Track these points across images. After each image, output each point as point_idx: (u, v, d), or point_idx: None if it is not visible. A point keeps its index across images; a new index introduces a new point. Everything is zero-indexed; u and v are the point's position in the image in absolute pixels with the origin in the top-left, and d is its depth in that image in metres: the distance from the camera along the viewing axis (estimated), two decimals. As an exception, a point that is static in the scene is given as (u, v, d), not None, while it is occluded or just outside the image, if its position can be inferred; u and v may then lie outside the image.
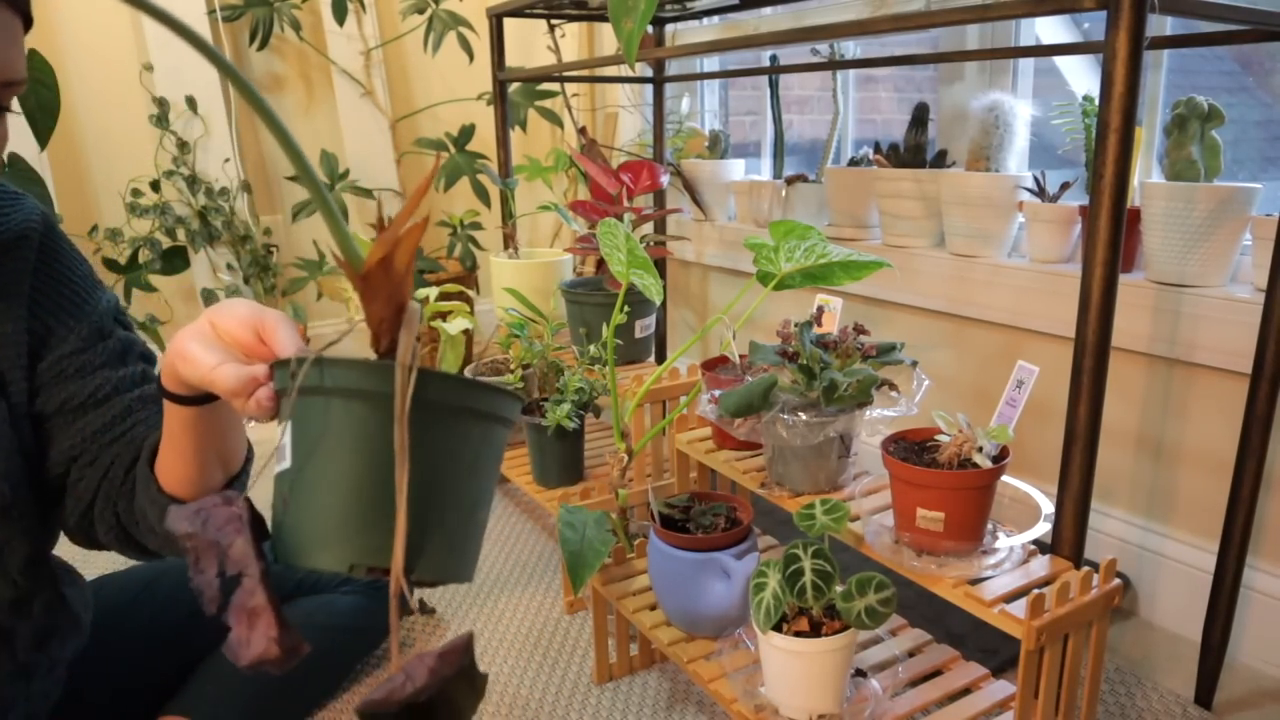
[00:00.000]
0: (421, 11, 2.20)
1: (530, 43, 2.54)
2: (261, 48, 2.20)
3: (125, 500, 0.81)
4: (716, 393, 0.98)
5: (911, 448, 0.89)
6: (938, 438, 0.89)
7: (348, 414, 0.53)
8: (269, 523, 0.58)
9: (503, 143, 2.01)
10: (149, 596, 1.10)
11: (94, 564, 1.48)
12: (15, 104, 0.62)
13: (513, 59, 2.11)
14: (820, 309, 1.07)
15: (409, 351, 0.53)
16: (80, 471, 0.83)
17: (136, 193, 2.15)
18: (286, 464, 0.55)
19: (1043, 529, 0.86)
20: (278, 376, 0.59)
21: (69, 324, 0.83)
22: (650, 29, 2.01)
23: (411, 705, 0.49)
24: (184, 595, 1.09)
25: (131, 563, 1.28)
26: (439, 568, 0.55)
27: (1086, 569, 0.82)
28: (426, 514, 0.54)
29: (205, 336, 0.67)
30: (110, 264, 2.08)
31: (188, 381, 0.68)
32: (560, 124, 2.39)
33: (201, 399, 0.72)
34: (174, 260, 2.17)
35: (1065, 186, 1.37)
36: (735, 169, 2.08)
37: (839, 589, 0.88)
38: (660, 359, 2.03)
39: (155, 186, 2.15)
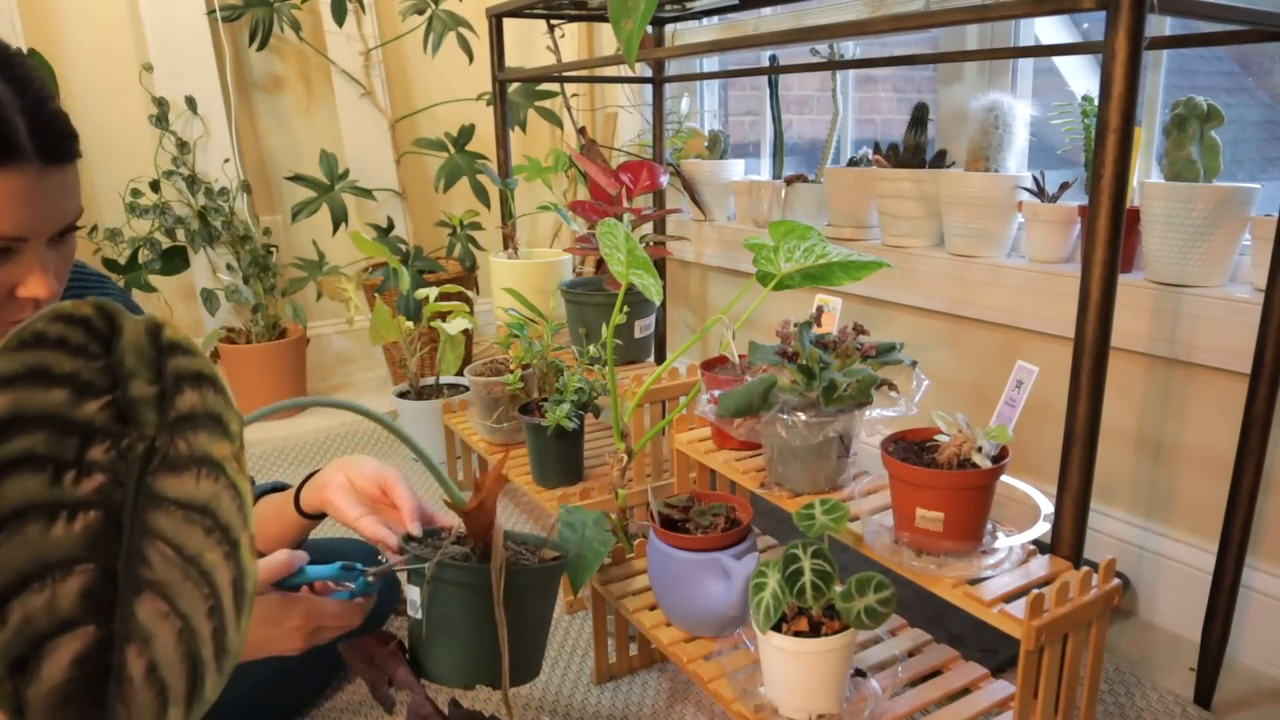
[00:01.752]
0: (421, 12, 2.20)
1: (530, 43, 2.54)
2: (261, 48, 2.20)
3: None
4: (716, 393, 0.98)
5: (911, 448, 0.89)
6: (937, 438, 0.89)
7: (460, 595, 0.82)
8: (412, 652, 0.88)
9: (502, 143, 2.01)
10: None
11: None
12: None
13: (512, 59, 2.12)
14: (820, 309, 1.07)
15: (499, 558, 0.82)
16: None
17: (136, 193, 2.15)
18: (419, 615, 0.84)
19: (1042, 529, 0.87)
20: (408, 553, 0.85)
21: None
22: (650, 29, 2.01)
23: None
24: None
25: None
26: (523, 675, 0.88)
27: (1086, 569, 0.82)
28: (517, 647, 0.84)
29: (347, 491, 0.93)
30: (110, 264, 2.08)
31: (325, 514, 0.98)
32: (560, 124, 2.39)
33: (320, 516, 1.00)
34: (174, 260, 2.17)
35: (1065, 186, 1.37)
36: (735, 169, 2.08)
37: (838, 589, 0.88)
38: (660, 359, 2.03)
39: (155, 187, 2.15)
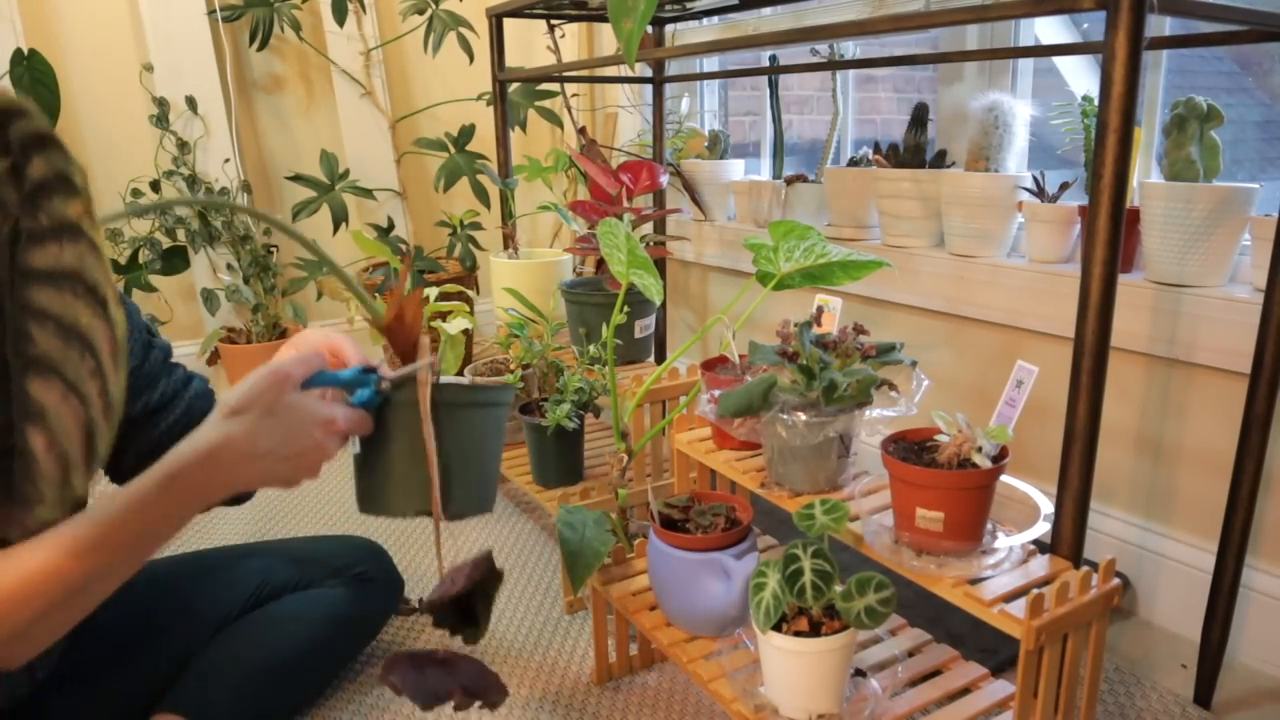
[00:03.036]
0: (421, 12, 2.20)
1: (530, 43, 2.54)
2: (261, 48, 2.20)
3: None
4: (716, 393, 0.99)
5: (911, 448, 0.89)
6: (937, 438, 0.89)
7: (395, 414, 0.79)
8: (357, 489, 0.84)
9: (502, 143, 2.01)
10: (147, 589, 1.11)
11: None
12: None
13: (512, 59, 2.12)
14: (820, 309, 1.07)
15: (426, 371, 0.79)
16: (148, 462, 0.90)
17: (136, 193, 2.15)
18: (355, 448, 0.82)
19: (1042, 529, 0.87)
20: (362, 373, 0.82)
21: (133, 335, 0.92)
22: (650, 29, 2.01)
23: (459, 597, 0.77)
24: (178, 589, 1.10)
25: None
26: (466, 504, 0.83)
27: (1086, 569, 0.82)
28: (454, 473, 0.80)
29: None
30: (110, 264, 2.08)
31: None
32: (560, 124, 2.39)
33: None
34: (174, 260, 2.17)
35: (1064, 187, 1.37)
36: (735, 169, 2.08)
37: (838, 589, 0.88)
38: (660, 359, 2.03)
39: (155, 187, 2.16)
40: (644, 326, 1.72)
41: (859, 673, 0.97)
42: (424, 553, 1.55)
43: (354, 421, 0.80)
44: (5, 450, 0.44)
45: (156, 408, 0.96)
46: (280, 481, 0.79)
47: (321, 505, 1.77)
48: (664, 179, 1.71)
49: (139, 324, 0.97)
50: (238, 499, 1.00)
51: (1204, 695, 1.11)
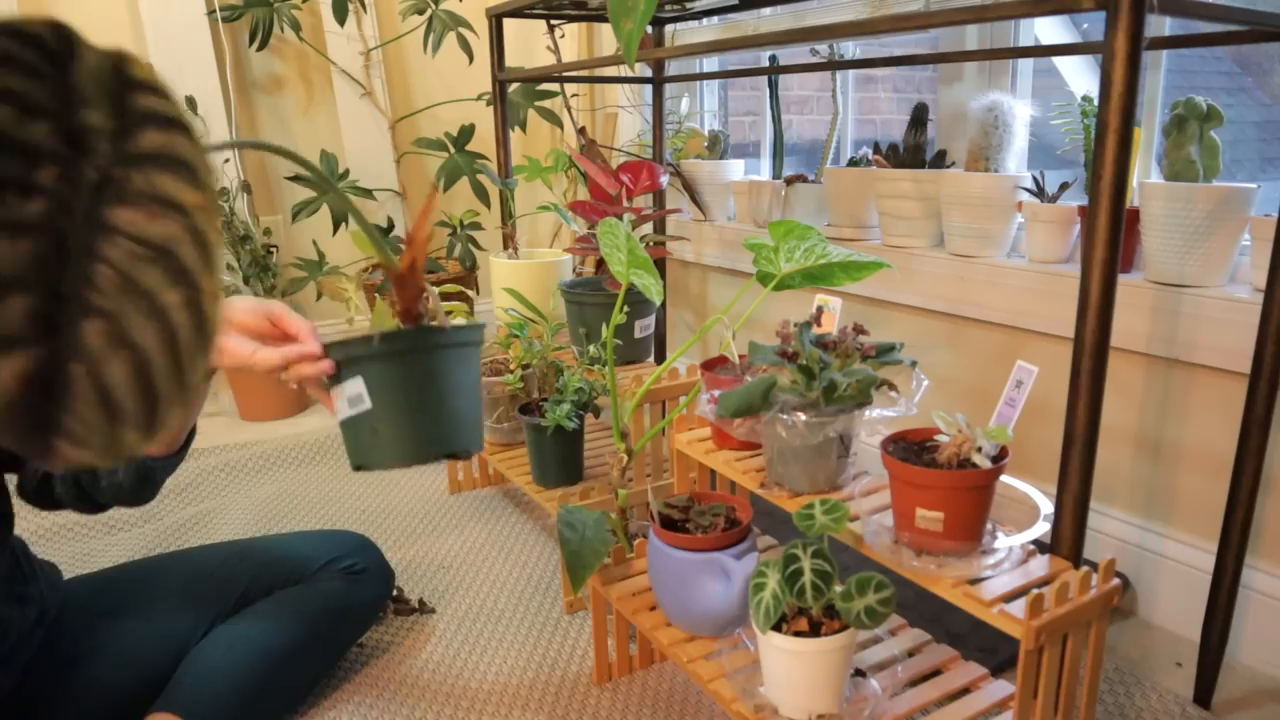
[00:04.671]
0: (421, 12, 2.20)
1: (530, 43, 2.54)
2: (261, 48, 2.20)
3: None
4: (716, 393, 0.98)
5: (911, 448, 0.89)
6: (937, 438, 0.89)
7: (410, 364, 0.82)
8: (350, 451, 0.85)
9: (502, 143, 2.01)
10: (139, 588, 1.11)
11: (94, 561, 1.48)
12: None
13: (512, 59, 2.12)
14: (820, 309, 1.07)
15: (437, 315, 0.85)
16: (47, 482, 0.95)
17: (136, 193, 2.15)
18: (367, 405, 0.83)
19: (1042, 529, 0.87)
20: (333, 351, 0.84)
21: None
22: (650, 29, 2.01)
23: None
24: (171, 587, 1.11)
25: (122, 559, 1.29)
26: (474, 441, 0.87)
27: (1085, 569, 0.82)
28: (453, 412, 0.85)
29: (227, 332, 0.85)
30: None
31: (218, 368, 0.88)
32: (560, 124, 2.39)
33: None
34: (174, 260, 2.17)
35: (1064, 187, 1.37)
36: (735, 169, 2.08)
37: (838, 589, 0.88)
38: (660, 359, 2.03)
39: (155, 187, 2.15)
40: (644, 326, 1.72)
41: (859, 673, 0.97)
42: (414, 544, 1.55)
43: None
44: (50, 388, 0.43)
45: None
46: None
47: (321, 505, 1.77)
48: (664, 179, 1.71)
49: None
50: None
51: (1204, 695, 1.11)
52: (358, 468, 0.86)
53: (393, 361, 0.82)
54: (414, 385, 0.83)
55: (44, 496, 0.99)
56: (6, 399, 0.42)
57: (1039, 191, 1.39)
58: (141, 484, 0.98)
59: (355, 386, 0.83)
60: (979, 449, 0.83)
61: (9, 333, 0.42)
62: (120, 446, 0.45)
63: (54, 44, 0.44)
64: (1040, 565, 0.85)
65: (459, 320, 0.86)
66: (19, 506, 0.96)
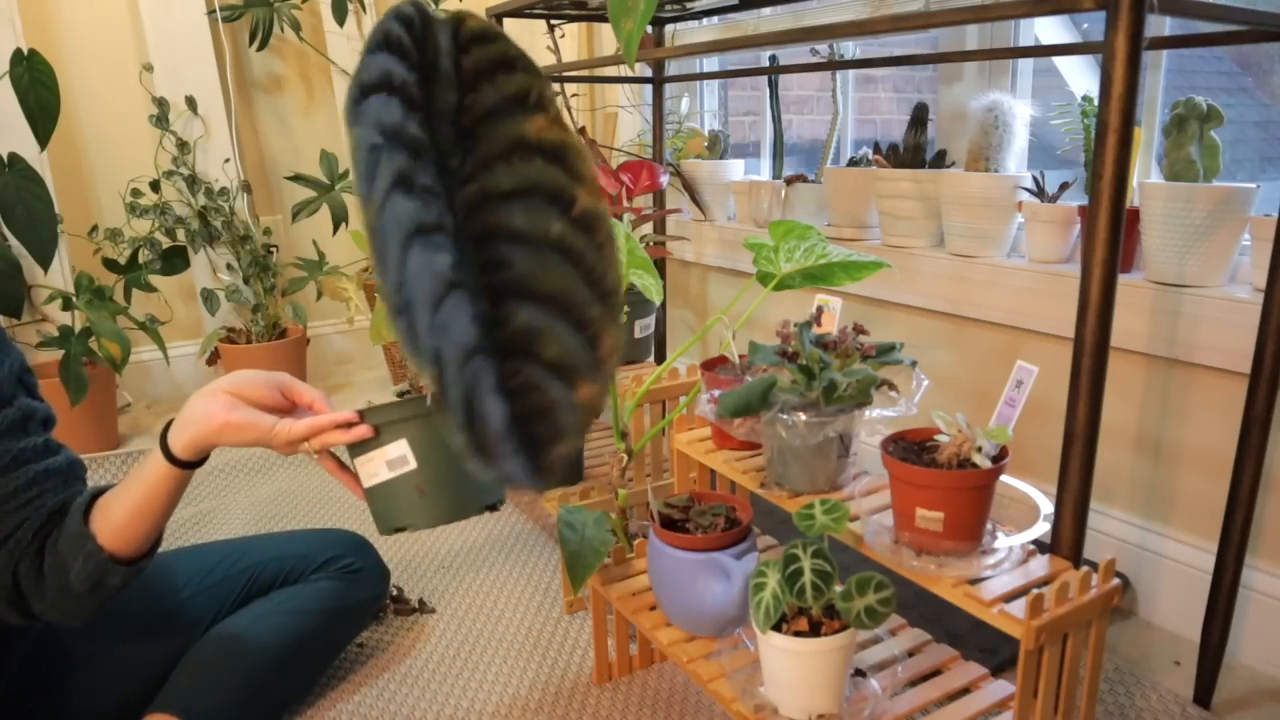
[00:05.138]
0: (421, 12, 2.20)
1: (530, 43, 2.54)
2: (261, 48, 2.20)
3: (29, 563, 0.87)
4: (716, 393, 0.99)
5: (911, 448, 0.89)
6: (937, 438, 0.89)
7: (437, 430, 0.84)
8: (385, 514, 0.87)
9: (502, 143, 2.01)
10: (136, 589, 1.11)
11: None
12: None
13: (512, 59, 2.11)
14: (820, 309, 1.07)
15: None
16: None
17: (136, 193, 2.15)
18: (412, 466, 0.84)
19: (1042, 529, 0.87)
20: (371, 416, 0.86)
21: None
22: (650, 29, 2.01)
23: None
24: (167, 588, 1.11)
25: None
26: (502, 490, 0.90)
27: (1085, 569, 0.82)
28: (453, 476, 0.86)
29: (242, 407, 0.86)
30: (110, 264, 2.08)
31: (217, 446, 0.88)
32: (560, 124, 2.39)
33: (199, 462, 0.90)
34: (174, 260, 2.17)
35: (1064, 187, 1.37)
36: (735, 169, 2.08)
37: (838, 589, 0.88)
38: (660, 359, 2.03)
39: (155, 187, 2.16)
40: (644, 326, 1.72)
41: (859, 673, 0.97)
42: (414, 544, 1.55)
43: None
44: (512, 391, 0.44)
45: None
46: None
47: (321, 505, 1.77)
48: (664, 179, 1.71)
49: (6, 375, 0.88)
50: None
51: (1204, 695, 1.11)
52: (395, 530, 0.87)
53: (436, 420, 0.84)
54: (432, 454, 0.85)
55: None
56: (505, 422, 0.43)
57: (1039, 191, 1.39)
58: (93, 590, 0.88)
59: (398, 449, 0.84)
60: (979, 449, 0.83)
61: (470, 344, 0.42)
62: (585, 412, 0.45)
63: (418, 22, 0.45)
64: (1040, 565, 0.85)
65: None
66: None
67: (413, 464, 0.84)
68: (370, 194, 0.42)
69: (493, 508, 0.90)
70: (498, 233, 0.44)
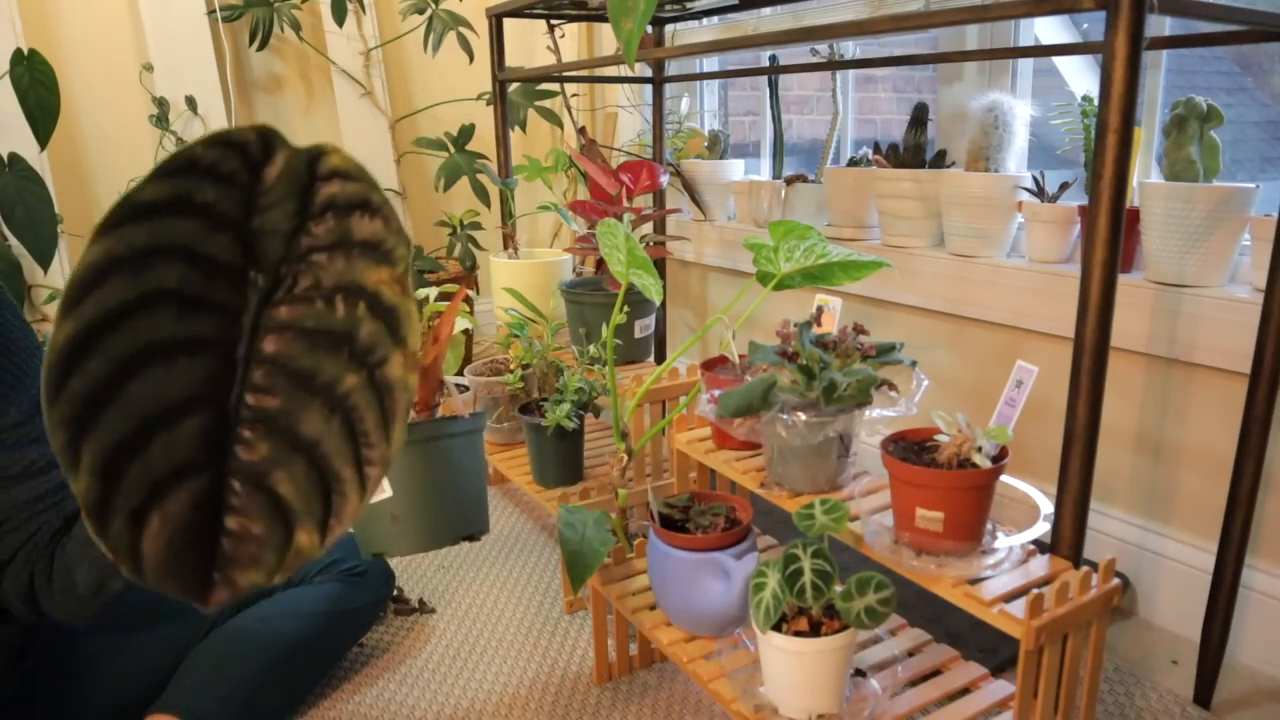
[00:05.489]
0: (421, 11, 2.20)
1: (530, 43, 2.54)
2: (261, 48, 2.20)
3: (43, 564, 0.89)
4: (716, 393, 0.99)
5: (911, 448, 0.89)
6: (937, 438, 0.89)
7: (429, 453, 0.87)
8: (365, 538, 0.90)
9: (502, 143, 2.01)
10: (143, 590, 1.11)
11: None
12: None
13: (512, 59, 2.12)
14: (820, 309, 1.07)
15: (452, 404, 0.92)
16: (1, 535, 0.89)
17: (136, 193, 2.14)
18: (388, 493, 0.86)
19: (1042, 529, 0.87)
20: None
21: (10, 396, 0.87)
22: (650, 29, 2.01)
23: None
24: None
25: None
26: (479, 522, 0.93)
27: (1085, 569, 0.82)
28: (467, 495, 0.91)
29: None
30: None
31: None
32: (560, 124, 2.39)
33: None
34: (174, 260, 2.17)
35: (1064, 187, 1.37)
36: (735, 169, 2.08)
37: (838, 589, 0.88)
38: (660, 359, 2.03)
39: (155, 186, 2.15)
40: (644, 326, 1.72)
41: (859, 673, 0.97)
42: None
43: None
44: (219, 511, 0.42)
45: (18, 475, 0.89)
46: None
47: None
48: (664, 179, 1.71)
49: (37, 380, 0.91)
50: None
51: (1204, 695, 1.11)
52: (374, 555, 0.90)
53: (412, 450, 0.87)
54: (433, 472, 0.88)
55: None
56: (174, 531, 0.41)
57: (1039, 191, 1.39)
58: (95, 594, 0.89)
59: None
60: (979, 449, 0.83)
61: (181, 460, 0.41)
62: (295, 556, 0.43)
63: (256, 149, 0.44)
64: (1040, 565, 0.85)
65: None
66: None
67: (388, 491, 0.87)
68: (74, 312, 0.39)
69: (471, 538, 0.92)
70: (282, 363, 0.43)
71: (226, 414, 0.43)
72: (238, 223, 0.44)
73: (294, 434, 0.43)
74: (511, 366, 1.58)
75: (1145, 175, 1.35)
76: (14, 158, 1.85)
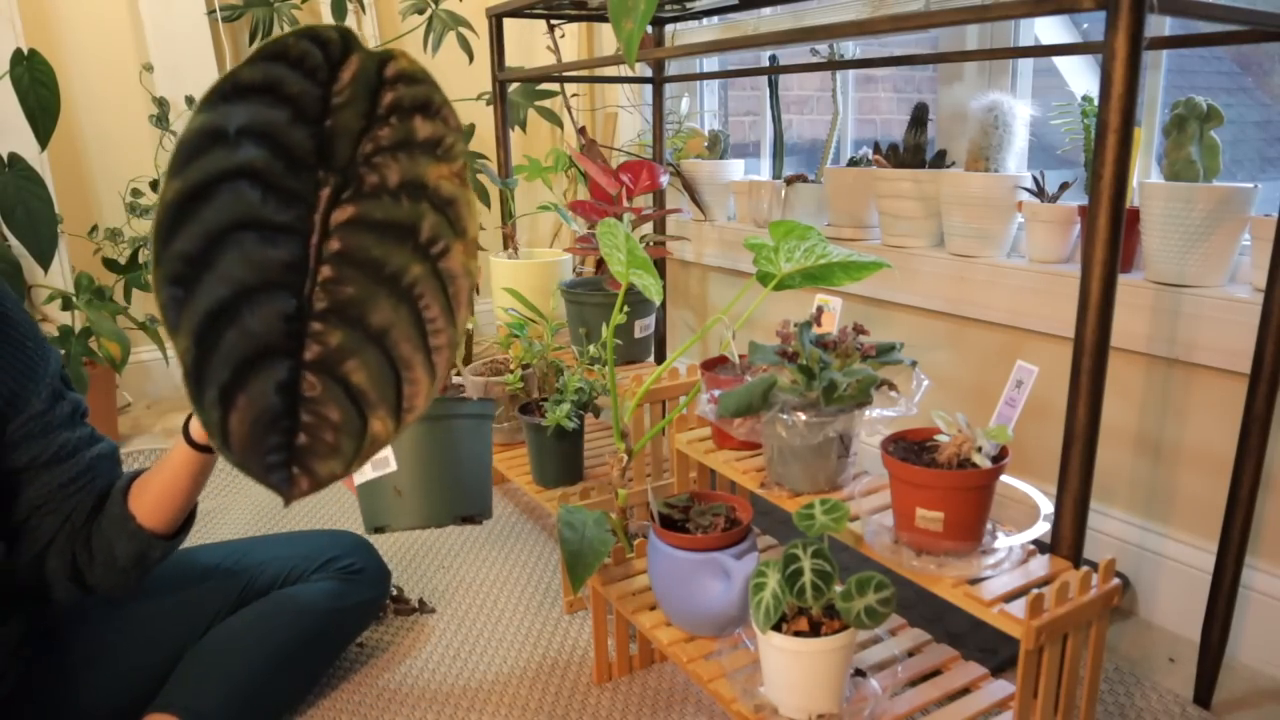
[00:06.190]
0: (421, 11, 2.20)
1: (530, 43, 2.55)
2: (261, 48, 2.20)
3: (83, 542, 0.95)
4: (716, 393, 0.99)
5: (911, 448, 0.89)
6: (937, 438, 0.89)
7: (436, 431, 0.88)
8: (368, 512, 0.93)
9: (502, 143, 2.01)
10: (142, 588, 1.11)
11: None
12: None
13: (512, 59, 2.12)
14: (820, 309, 1.07)
15: (481, 390, 0.95)
16: (40, 519, 0.94)
17: (136, 193, 2.15)
18: (392, 468, 0.87)
19: (1042, 529, 0.87)
20: None
21: (31, 387, 0.92)
22: (650, 29, 2.01)
23: None
24: (167, 588, 1.11)
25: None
26: (481, 504, 0.96)
27: (1085, 569, 0.82)
28: (471, 477, 0.93)
29: None
30: (110, 264, 2.08)
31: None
32: (560, 124, 2.39)
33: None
34: (174, 260, 2.17)
35: (1064, 187, 1.37)
36: (735, 169, 2.08)
37: (838, 589, 0.88)
38: (660, 359, 2.03)
39: (155, 186, 2.15)
40: (644, 326, 1.72)
41: (859, 673, 0.97)
42: (414, 544, 1.55)
43: None
44: (299, 396, 0.44)
45: (49, 461, 0.93)
46: None
47: (321, 505, 1.77)
48: (664, 179, 1.71)
49: (54, 371, 0.95)
50: None
51: (1204, 695, 1.11)
52: (376, 530, 0.91)
53: (420, 426, 0.88)
54: (438, 449, 0.89)
55: (34, 572, 0.96)
56: (260, 413, 0.43)
57: (1039, 191, 1.39)
58: (136, 564, 0.96)
59: (383, 449, 0.89)
60: (979, 449, 0.83)
61: (267, 342, 0.43)
62: (371, 443, 0.45)
63: (337, 48, 0.47)
64: (1040, 565, 0.85)
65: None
66: None
67: (393, 465, 0.88)
68: (182, 173, 0.42)
69: (471, 520, 0.93)
70: (352, 256, 0.45)
71: (302, 306, 0.45)
72: (317, 118, 0.46)
73: (365, 323, 0.45)
74: (511, 366, 1.58)
75: (1145, 175, 1.35)
76: (14, 158, 1.85)
